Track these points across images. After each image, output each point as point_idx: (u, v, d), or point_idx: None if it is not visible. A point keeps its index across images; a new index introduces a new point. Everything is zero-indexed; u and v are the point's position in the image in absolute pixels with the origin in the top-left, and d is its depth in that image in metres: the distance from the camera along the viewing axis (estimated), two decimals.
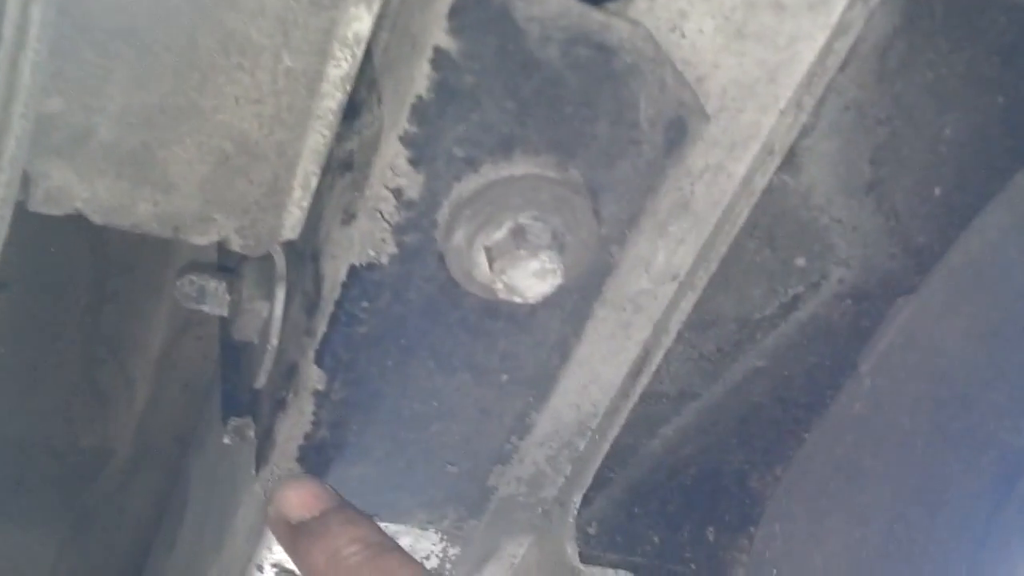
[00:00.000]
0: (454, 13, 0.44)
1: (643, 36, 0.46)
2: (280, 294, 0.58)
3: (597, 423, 0.63)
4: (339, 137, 0.54)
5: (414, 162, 0.47)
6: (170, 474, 1.09)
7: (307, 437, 0.55)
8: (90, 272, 0.99)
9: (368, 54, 0.51)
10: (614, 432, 0.62)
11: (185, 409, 1.10)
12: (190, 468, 0.97)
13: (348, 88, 0.51)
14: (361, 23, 0.49)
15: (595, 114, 0.47)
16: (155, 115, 0.50)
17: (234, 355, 0.66)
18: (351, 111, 0.53)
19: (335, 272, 0.52)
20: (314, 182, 0.54)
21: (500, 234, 0.49)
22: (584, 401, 0.61)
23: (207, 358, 1.08)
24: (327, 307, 0.53)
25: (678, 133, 0.48)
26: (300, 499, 0.53)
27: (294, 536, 0.53)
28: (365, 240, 0.50)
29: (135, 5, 0.47)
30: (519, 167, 0.48)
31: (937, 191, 0.55)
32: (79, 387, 1.07)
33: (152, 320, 1.03)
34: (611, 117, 0.48)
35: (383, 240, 0.49)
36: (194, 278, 0.62)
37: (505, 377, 0.57)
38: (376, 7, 0.49)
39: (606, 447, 0.63)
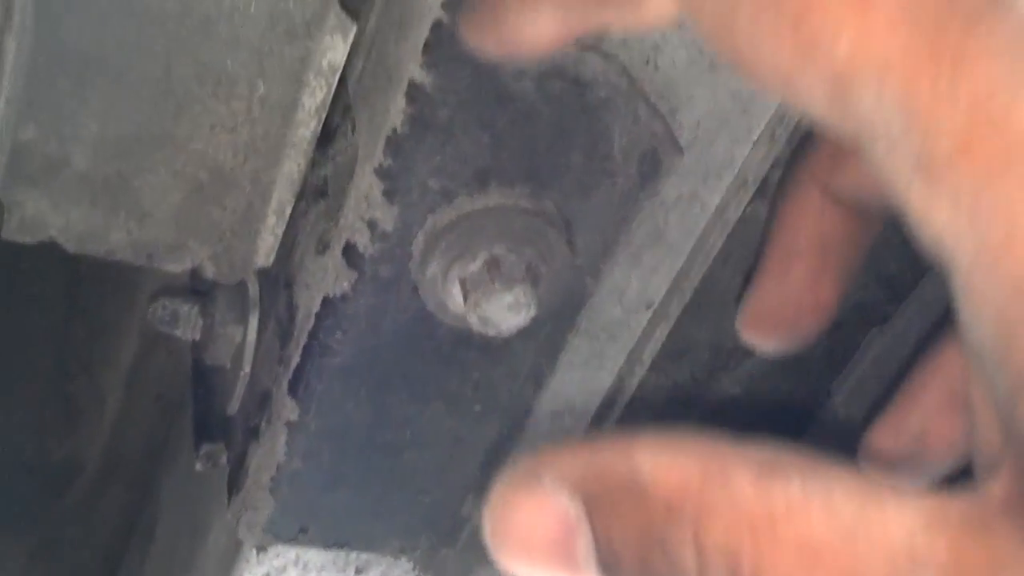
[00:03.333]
0: (428, 47, 0.43)
1: (617, 70, 0.46)
2: (253, 321, 0.58)
3: None
4: (313, 163, 0.54)
5: (388, 194, 0.47)
6: (141, 488, 1.08)
7: (280, 467, 0.55)
8: (61, 285, 0.99)
9: (342, 80, 0.51)
10: None
11: (157, 422, 1.09)
12: (162, 483, 0.96)
13: (323, 116, 0.51)
14: (336, 52, 0.49)
15: (569, 146, 0.47)
16: (130, 144, 0.50)
17: (206, 378, 0.66)
18: (325, 137, 0.53)
19: (309, 302, 0.52)
20: (288, 209, 0.54)
21: (475, 266, 0.49)
22: (558, 429, 0.61)
23: (179, 371, 1.07)
24: (301, 337, 0.53)
25: (652, 165, 0.49)
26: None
27: None
28: (339, 271, 0.49)
29: (110, 35, 0.46)
30: (493, 198, 0.48)
31: None
32: (49, 400, 1.07)
33: (123, 333, 1.03)
34: (585, 149, 0.48)
35: (357, 272, 0.49)
36: (167, 302, 0.62)
37: (479, 407, 0.57)
38: (351, 37, 0.49)
39: None
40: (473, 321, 0.49)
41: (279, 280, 0.57)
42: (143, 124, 0.49)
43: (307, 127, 0.51)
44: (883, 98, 0.24)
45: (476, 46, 0.38)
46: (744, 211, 0.53)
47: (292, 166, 0.52)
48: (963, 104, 0.23)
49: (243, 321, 0.60)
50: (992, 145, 0.22)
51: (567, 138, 0.47)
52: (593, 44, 0.46)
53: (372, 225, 0.48)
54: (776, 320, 0.42)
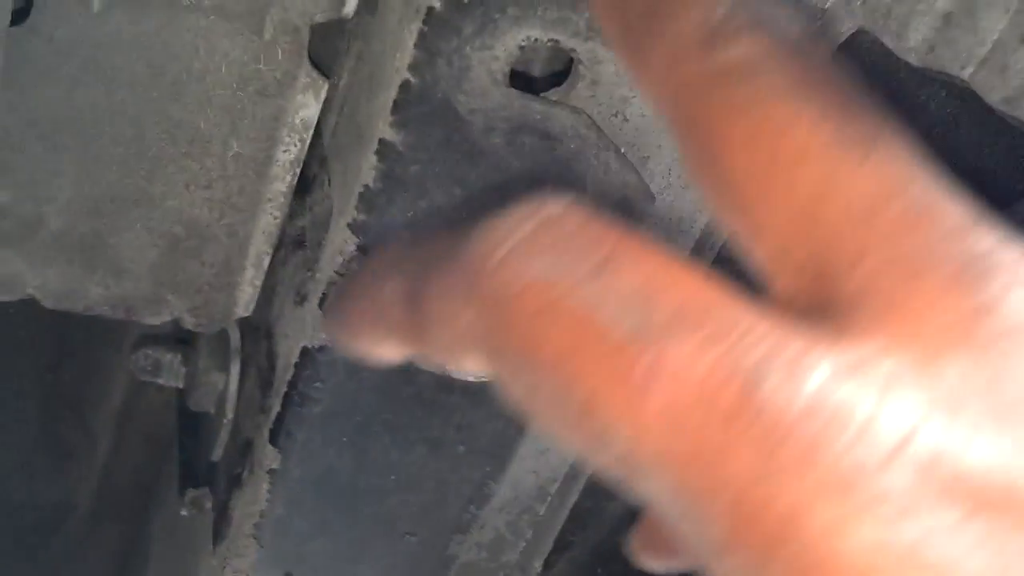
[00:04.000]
0: (398, 106, 0.44)
1: (585, 123, 0.46)
2: (235, 370, 0.59)
3: (556, 487, 0.63)
4: (292, 213, 0.54)
5: (363, 248, 0.48)
6: (132, 528, 1.09)
7: (263, 514, 0.56)
8: (50, 328, 0.99)
9: (318, 132, 0.52)
10: (574, 497, 0.63)
11: (147, 462, 1.09)
12: (152, 523, 0.96)
13: (297, 170, 0.52)
14: (308, 109, 0.50)
15: (542, 195, 0.48)
16: (105, 203, 0.50)
17: (192, 424, 0.66)
18: (303, 187, 0.54)
19: (288, 352, 0.53)
20: (266, 261, 0.55)
21: None
22: (543, 467, 0.62)
23: (169, 411, 1.07)
24: (281, 386, 0.53)
25: (624, 213, 0.49)
26: None
27: None
28: (317, 323, 0.50)
29: (81, 100, 0.47)
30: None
31: None
32: (39, 441, 1.07)
33: (113, 374, 1.03)
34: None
35: None
36: (149, 351, 0.62)
37: (462, 448, 0.57)
38: (323, 94, 0.50)
39: (566, 511, 0.63)
40: (452, 367, 0.49)
41: (260, 329, 0.57)
42: (117, 184, 0.50)
43: (282, 181, 0.51)
44: (660, 489, 0.26)
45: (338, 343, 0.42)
46: (719, 253, 0.53)
47: (268, 219, 0.53)
48: (728, 497, 0.25)
49: (225, 369, 0.60)
50: (756, 534, 0.24)
51: (539, 190, 0.47)
52: (561, 98, 0.46)
53: (341, 275, 0.48)
54: (667, 546, 0.43)
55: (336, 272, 0.48)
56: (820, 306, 0.26)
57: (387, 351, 0.38)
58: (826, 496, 0.24)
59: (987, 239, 0.26)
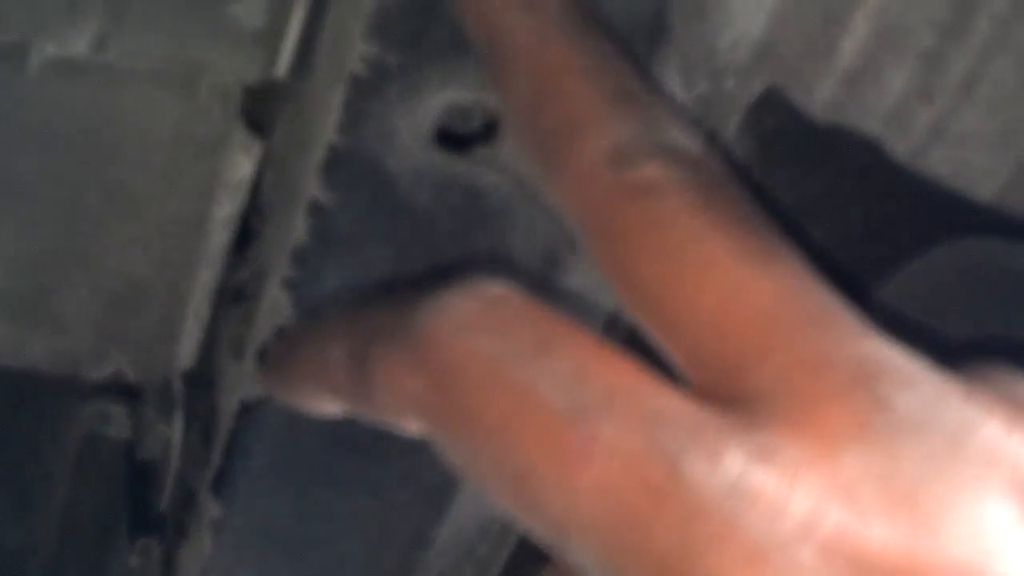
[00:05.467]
0: (326, 168, 0.45)
1: (509, 181, 0.48)
2: (178, 422, 0.60)
3: (498, 528, 0.64)
4: (233, 265, 0.55)
5: (297, 304, 0.49)
6: (94, 569, 1.09)
7: (208, 564, 0.57)
8: (3, 377, 0.99)
9: (256, 187, 0.53)
10: (514, 537, 0.64)
11: (107, 502, 1.09)
12: (109, 571, 0.97)
13: (234, 227, 0.53)
14: (243, 167, 0.51)
15: (471, 252, 0.49)
16: (46, 263, 0.51)
17: (140, 473, 0.67)
18: (244, 238, 0.55)
19: (228, 405, 0.54)
20: (207, 314, 0.56)
21: None
22: (482, 509, 0.63)
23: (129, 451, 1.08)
24: (222, 438, 0.54)
25: (551, 265, 0.51)
26: None
27: None
28: (255, 376, 0.51)
29: (19, 164, 0.48)
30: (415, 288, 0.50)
31: None
32: None
33: (70, 417, 1.03)
34: (486, 253, 0.50)
35: None
36: (96, 403, 0.63)
37: (404, 495, 0.58)
38: (257, 153, 0.51)
39: (507, 549, 0.65)
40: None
41: (202, 381, 0.58)
42: (58, 244, 0.51)
43: (220, 237, 0.53)
44: (589, 555, 0.29)
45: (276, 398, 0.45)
46: None
47: (207, 274, 0.54)
48: (652, 565, 0.27)
49: (170, 419, 0.61)
50: None
51: (468, 244, 0.49)
52: (487, 155, 0.48)
53: (282, 334, 0.49)
54: None
55: (274, 328, 0.50)
56: (732, 398, 0.29)
57: (328, 409, 0.40)
58: (740, 568, 0.26)
59: (879, 343, 0.29)
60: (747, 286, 0.30)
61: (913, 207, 0.50)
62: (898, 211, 0.51)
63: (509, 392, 0.30)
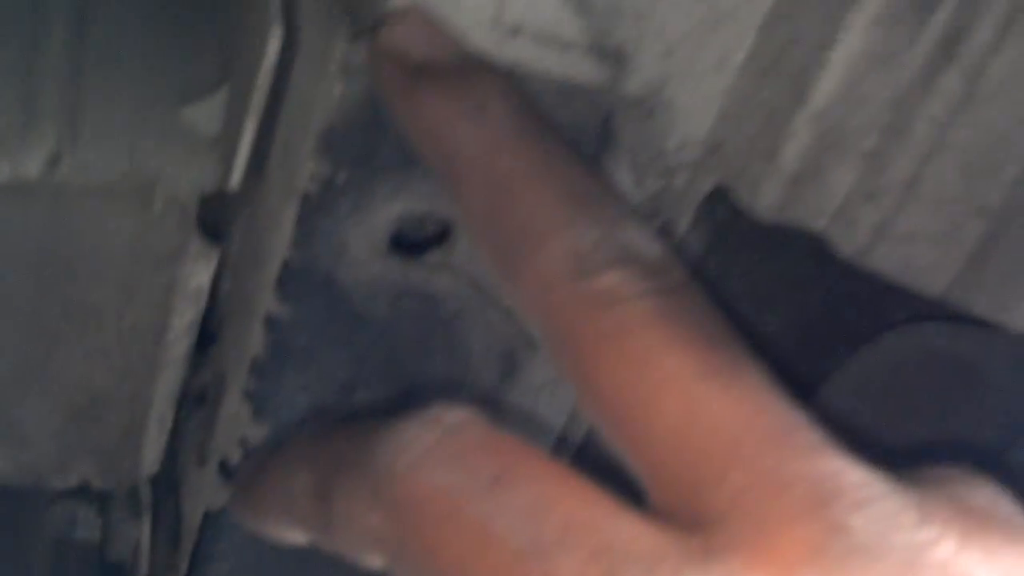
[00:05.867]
0: (281, 282, 0.46)
1: (466, 283, 0.48)
2: (146, 526, 0.59)
3: None
4: (195, 368, 0.56)
5: (257, 413, 0.49)
6: None
7: None
8: None
9: (215, 292, 0.53)
10: None
11: None
12: None
13: (195, 333, 0.53)
14: (200, 276, 0.51)
15: (428, 355, 0.50)
16: (6, 378, 0.51)
17: (111, 574, 0.67)
18: (206, 341, 0.55)
19: (192, 512, 0.54)
20: (169, 420, 0.56)
21: None
22: None
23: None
24: (187, 545, 0.54)
25: (509, 364, 0.51)
26: (429, 36, 0.41)
27: (412, 83, 0.40)
28: (216, 486, 0.51)
29: None
30: (363, 404, 0.50)
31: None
32: None
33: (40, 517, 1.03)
34: (444, 355, 0.50)
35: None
36: (65, 507, 0.63)
37: None
38: (214, 261, 0.51)
39: None
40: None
41: (169, 485, 0.58)
42: (18, 359, 0.51)
43: (180, 345, 0.53)
44: None
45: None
46: None
47: (169, 381, 0.54)
48: None
49: (139, 522, 0.61)
50: None
51: (425, 348, 0.49)
52: (441, 260, 0.48)
53: (243, 442, 0.49)
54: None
55: (234, 438, 0.50)
56: (692, 519, 0.29)
57: (292, 537, 0.40)
58: None
59: (836, 461, 0.29)
60: (707, 404, 0.30)
61: (864, 298, 0.51)
62: (849, 300, 0.52)
63: (467, 529, 0.30)
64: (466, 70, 0.40)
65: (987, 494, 0.31)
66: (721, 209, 0.50)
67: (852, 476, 0.29)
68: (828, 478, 0.29)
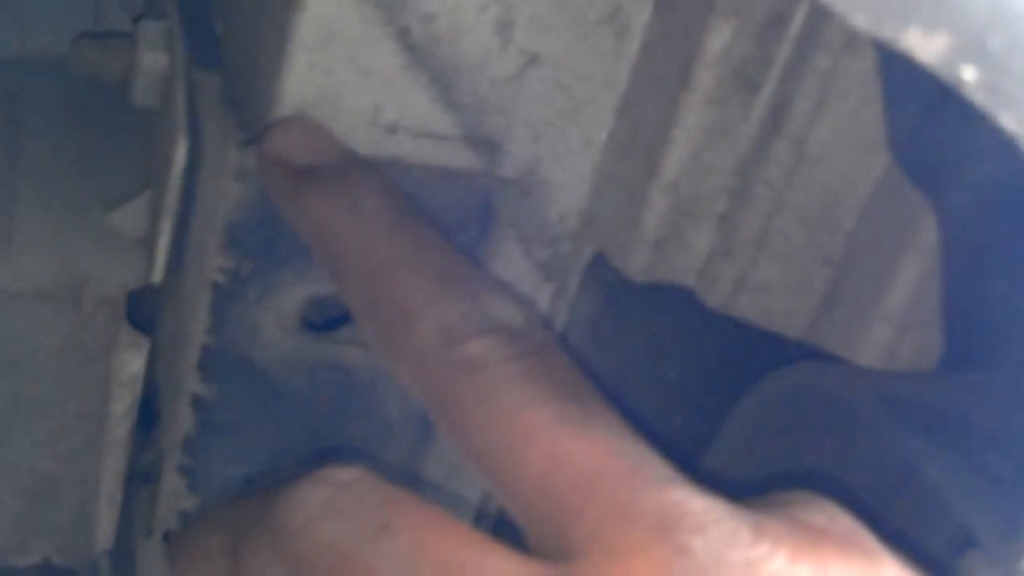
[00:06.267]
0: (201, 365, 0.50)
1: (375, 355, 0.52)
2: None
3: None
4: (140, 446, 0.60)
5: (192, 487, 0.53)
6: None
7: None
8: None
9: (151, 373, 0.58)
10: None
11: None
12: None
13: (134, 416, 0.57)
14: (134, 364, 0.55)
15: (349, 420, 0.54)
16: None
17: None
18: (150, 419, 0.59)
19: None
20: (118, 497, 0.60)
21: None
22: None
23: None
24: None
25: (425, 427, 0.55)
26: (311, 140, 0.46)
27: (296, 184, 0.45)
28: (162, 556, 0.55)
29: None
30: (291, 473, 0.54)
31: (678, 419, 0.62)
32: None
33: None
34: (363, 420, 0.54)
35: None
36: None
37: None
38: (145, 348, 0.55)
39: None
40: None
41: (125, 558, 0.62)
42: None
43: (121, 428, 0.57)
44: None
45: None
46: None
47: (114, 462, 0.58)
48: None
49: None
50: None
51: (345, 414, 0.54)
52: (350, 338, 0.52)
53: (183, 515, 0.54)
54: None
55: (174, 510, 0.54)
56: (559, 553, 0.33)
57: None
58: None
59: (680, 492, 0.33)
60: (565, 450, 0.34)
61: (742, 342, 0.55)
62: (738, 346, 0.56)
63: (356, 574, 0.35)
64: (344, 170, 0.44)
65: (826, 513, 0.35)
66: (607, 271, 0.54)
67: (694, 504, 0.32)
68: (673, 507, 0.32)
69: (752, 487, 0.37)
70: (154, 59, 0.52)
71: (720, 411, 0.60)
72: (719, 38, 0.44)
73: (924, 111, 0.43)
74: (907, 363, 0.48)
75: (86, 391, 0.55)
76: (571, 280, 0.54)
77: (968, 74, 0.23)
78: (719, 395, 0.60)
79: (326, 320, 0.54)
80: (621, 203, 0.49)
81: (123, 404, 0.56)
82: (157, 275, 0.53)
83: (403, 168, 0.48)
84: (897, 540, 0.35)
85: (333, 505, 0.37)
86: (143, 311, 0.56)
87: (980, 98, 0.23)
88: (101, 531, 0.60)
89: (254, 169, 0.46)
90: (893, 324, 0.46)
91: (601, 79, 0.49)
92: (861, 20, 0.23)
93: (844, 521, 0.35)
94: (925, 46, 0.23)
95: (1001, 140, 0.24)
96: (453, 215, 0.50)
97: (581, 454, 0.34)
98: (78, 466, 0.57)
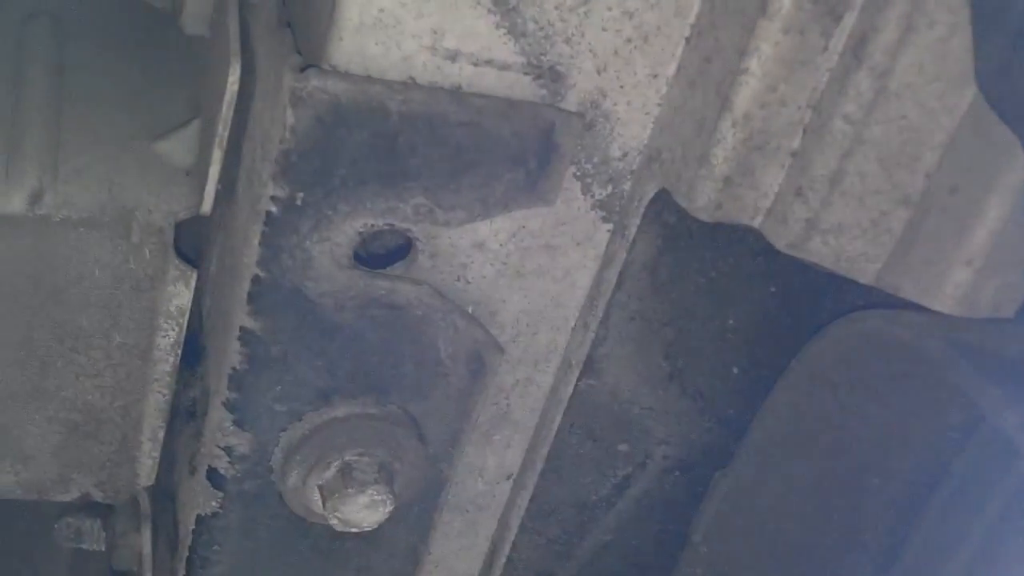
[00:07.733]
0: (252, 298, 0.49)
1: (427, 292, 0.51)
2: (147, 533, 0.63)
3: None
4: (185, 384, 0.59)
5: (239, 423, 0.52)
6: None
7: None
8: None
9: (200, 311, 0.56)
10: None
11: None
12: None
13: (179, 351, 0.56)
14: (181, 297, 0.54)
15: (400, 359, 0.52)
16: (4, 400, 0.55)
17: None
18: (194, 357, 0.58)
19: (187, 518, 0.57)
20: (161, 434, 0.59)
21: (329, 473, 0.54)
22: None
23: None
24: (183, 551, 0.57)
25: (478, 364, 0.54)
26: None
27: None
28: (207, 492, 0.54)
29: None
30: (340, 410, 0.53)
31: (735, 370, 0.60)
32: None
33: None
34: (415, 359, 0.53)
35: (223, 492, 0.54)
36: (70, 520, 0.66)
37: None
38: (192, 282, 0.54)
39: None
40: (334, 523, 0.54)
41: (166, 495, 0.61)
42: (14, 382, 0.54)
43: (166, 363, 0.56)
44: None
45: None
46: (577, 386, 0.58)
47: (158, 397, 0.57)
48: None
49: (140, 532, 0.64)
50: None
51: (396, 353, 0.52)
52: (403, 272, 0.51)
53: (229, 450, 0.52)
54: None
55: (218, 446, 0.53)
56: None
57: None
58: None
59: None
60: None
61: (806, 289, 0.54)
62: (802, 291, 0.54)
63: None
64: None
65: None
66: (668, 212, 0.52)
67: None
68: None
69: None
70: None
71: (782, 362, 0.59)
72: None
73: (1016, 42, 0.41)
74: (987, 310, 0.46)
75: (132, 323, 0.54)
76: (630, 221, 0.52)
77: None
78: (781, 345, 0.59)
79: (378, 255, 0.53)
80: (689, 137, 0.48)
81: (169, 337, 0.55)
82: (207, 205, 0.52)
83: (463, 98, 0.46)
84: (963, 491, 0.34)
85: None
86: (191, 243, 0.54)
87: None
88: (143, 468, 0.60)
89: (310, 94, 0.44)
90: (974, 268, 0.44)
91: (671, 6, 0.47)
92: None
93: None
94: None
95: None
96: (512, 149, 0.48)
97: None
98: (121, 400, 0.56)
